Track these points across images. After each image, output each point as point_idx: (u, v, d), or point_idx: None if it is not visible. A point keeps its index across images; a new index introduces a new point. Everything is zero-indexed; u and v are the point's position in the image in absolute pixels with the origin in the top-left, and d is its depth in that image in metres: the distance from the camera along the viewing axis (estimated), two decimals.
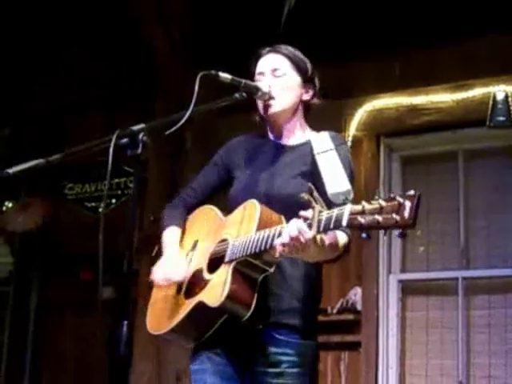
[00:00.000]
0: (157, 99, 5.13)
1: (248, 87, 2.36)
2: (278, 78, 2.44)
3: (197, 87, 2.18)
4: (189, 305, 2.31)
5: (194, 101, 2.17)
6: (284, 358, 2.26)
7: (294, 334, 2.29)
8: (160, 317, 2.44)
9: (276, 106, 2.42)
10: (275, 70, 2.45)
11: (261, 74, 2.47)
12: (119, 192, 5.62)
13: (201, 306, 2.26)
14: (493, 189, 4.64)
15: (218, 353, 2.33)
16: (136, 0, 5.06)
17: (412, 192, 1.72)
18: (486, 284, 4.53)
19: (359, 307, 4.55)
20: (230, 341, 2.31)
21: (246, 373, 2.30)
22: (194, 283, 2.36)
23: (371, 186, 4.62)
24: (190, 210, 2.58)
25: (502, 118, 4.39)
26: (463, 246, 4.61)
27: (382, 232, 1.78)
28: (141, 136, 2.00)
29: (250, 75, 2.50)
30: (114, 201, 5.62)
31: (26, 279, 5.77)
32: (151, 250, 4.87)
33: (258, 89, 2.38)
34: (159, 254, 2.57)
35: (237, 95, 2.35)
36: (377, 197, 1.78)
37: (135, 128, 2.02)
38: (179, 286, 2.41)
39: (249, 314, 2.17)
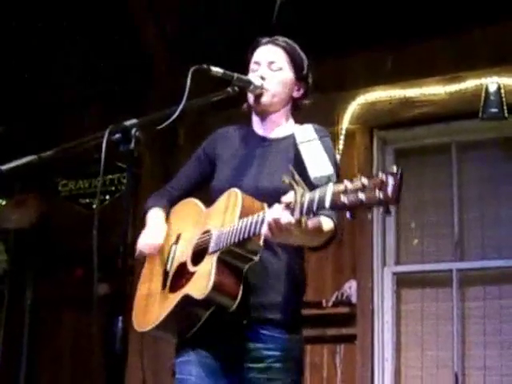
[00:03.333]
0: (150, 95, 5.13)
1: (240, 81, 2.36)
2: (274, 72, 2.44)
3: (189, 82, 2.18)
4: (174, 299, 2.30)
5: (185, 96, 2.17)
6: (269, 353, 2.26)
7: (279, 328, 2.28)
8: (145, 313, 2.43)
9: (267, 98, 2.42)
10: (272, 63, 2.45)
11: (257, 63, 2.47)
12: (113, 188, 5.61)
13: (187, 299, 2.24)
14: (486, 180, 4.65)
15: (204, 346, 2.33)
16: None
17: (394, 168, 1.70)
18: (481, 275, 4.54)
19: (354, 300, 4.56)
20: (215, 335, 2.30)
21: (232, 367, 2.30)
22: (179, 277, 2.34)
23: None
24: (173, 202, 2.58)
25: (494, 110, 4.39)
26: (457, 238, 4.62)
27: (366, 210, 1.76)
28: (133, 131, 2.00)
29: (246, 62, 2.50)
30: (107, 197, 5.61)
31: (20, 277, 5.75)
32: None
33: (250, 82, 2.38)
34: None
35: (229, 89, 2.35)
36: (359, 175, 1.75)
37: (127, 123, 2.02)
38: (164, 280, 2.41)
39: (235, 304, 2.16)
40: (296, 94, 2.50)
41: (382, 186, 1.69)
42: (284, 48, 2.48)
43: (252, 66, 2.49)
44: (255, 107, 2.46)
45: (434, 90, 4.59)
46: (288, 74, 2.46)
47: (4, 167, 1.97)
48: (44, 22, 5.36)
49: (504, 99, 4.38)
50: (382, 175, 1.70)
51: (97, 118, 5.58)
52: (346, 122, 4.71)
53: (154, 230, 2.45)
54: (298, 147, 2.32)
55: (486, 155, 4.69)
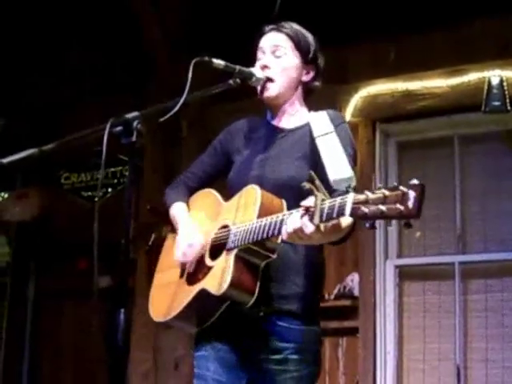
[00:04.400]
0: (151, 88, 5.13)
1: (242, 73, 2.35)
2: (278, 59, 2.42)
3: (190, 74, 2.17)
4: (191, 292, 2.31)
5: (187, 88, 2.16)
6: (286, 345, 2.26)
7: (296, 320, 2.28)
8: (163, 304, 2.44)
9: (273, 89, 2.40)
10: (275, 49, 2.43)
11: (262, 51, 2.46)
12: (115, 181, 5.61)
13: (203, 293, 2.25)
14: (488, 173, 4.64)
15: (221, 340, 2.33)
16: None
17: (416, 181, 1.70)
18: (483, 268, 4.54)
19: (356, 293, 4.56)
20: (232, 328, 2.31)
21: (249, 360, 2.30)
22: (196, 269, 2.35)
23: (367, 172, 4.62)
24: (190, 193, 2.56)
25: (497, 103, 4.38)
26: (459, 231, 4.62)
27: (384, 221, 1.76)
28: (135, 124, 1.99)
29: (252, 52, 2.49)
30: (110, 190, 5.61)
31: (23, 269, 5.77)
32: (148, 239, 4.90)
33: (252, 74, 2.37)
34: (171, 232, 2.55)
35: (231, 81, 2.33)
36: (380, 186, 1.76)
37: (129, 116, 2.01)
38: (182, 271, 2.41)
39: (252, 300, 2.16)
40: (305, 78, 2.46)
41: (404, 198, 1.69)
42: (287, 34, 2.45)
43: (258, 54, 2.47)
44: (263, 100, 2.44)
45: (437, 82, 4.58)
46: (293, 59, 2.43)
47: (5, 160, 1.97)
48: (46, 21, 5.35)
49: (507, 92, 4.37)
50: (403, 188, 1.70)
51: (97, 117, 5.56)
52: (348, 115, 4.70)
53: (187, 234, 2.41)
54: (314, 141, 2.29)
55: (489, 148, 4.68)
